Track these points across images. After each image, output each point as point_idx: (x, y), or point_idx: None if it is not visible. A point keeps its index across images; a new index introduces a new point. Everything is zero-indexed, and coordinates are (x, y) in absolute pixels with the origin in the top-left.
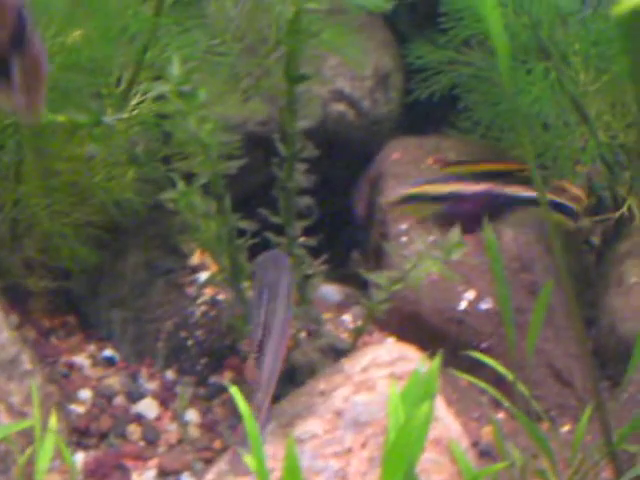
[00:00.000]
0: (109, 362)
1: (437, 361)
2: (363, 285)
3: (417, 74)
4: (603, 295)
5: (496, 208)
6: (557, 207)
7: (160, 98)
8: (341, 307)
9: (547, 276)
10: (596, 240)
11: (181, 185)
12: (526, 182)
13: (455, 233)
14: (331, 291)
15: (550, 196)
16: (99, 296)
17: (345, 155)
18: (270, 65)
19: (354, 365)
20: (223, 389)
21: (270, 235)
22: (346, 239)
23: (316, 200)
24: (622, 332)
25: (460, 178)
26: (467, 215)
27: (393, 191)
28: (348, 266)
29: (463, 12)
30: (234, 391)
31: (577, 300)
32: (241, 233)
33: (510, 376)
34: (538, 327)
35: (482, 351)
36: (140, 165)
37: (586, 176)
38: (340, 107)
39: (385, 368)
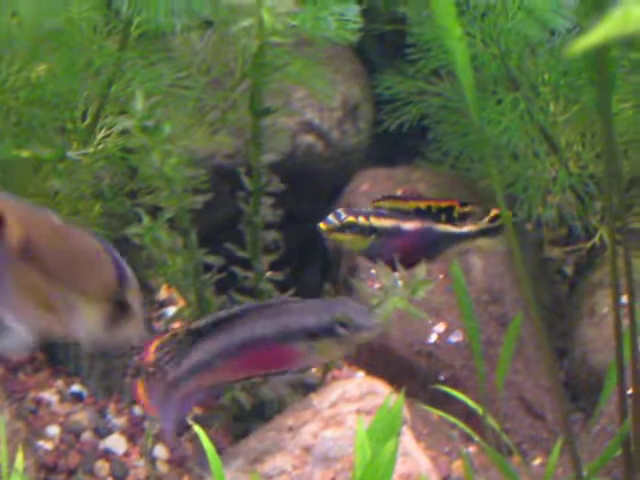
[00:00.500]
0: (77, 398)
1: (401, 398)
2: None
3: (386, 105)
4: (575, 326)
5: (431, 245)
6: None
7: (126, 132)
8: None
9: (517, 308)
10: (569, 270)
11: (147, 220)
12: (460, 219)
13: (421, 269)
14: None
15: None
16: None
17: (315, 186)
18: (236, 98)
19: (323, 400)
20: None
21: (237, 270)
22: (318, 270)
23: (286, 232)
24: (594, 363)
25: (394, 214)
26: (402, 251)
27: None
28: (319, 297)
29: (431, 43)
30: (198, 430)
31: (548, 331)
32: (208, 268)
33: (480, 410)
34: (508, 360)
35: (452, 384)
36: (106, 200)
37: (557, 206)
38: (309, 139)
39: (354, 403)
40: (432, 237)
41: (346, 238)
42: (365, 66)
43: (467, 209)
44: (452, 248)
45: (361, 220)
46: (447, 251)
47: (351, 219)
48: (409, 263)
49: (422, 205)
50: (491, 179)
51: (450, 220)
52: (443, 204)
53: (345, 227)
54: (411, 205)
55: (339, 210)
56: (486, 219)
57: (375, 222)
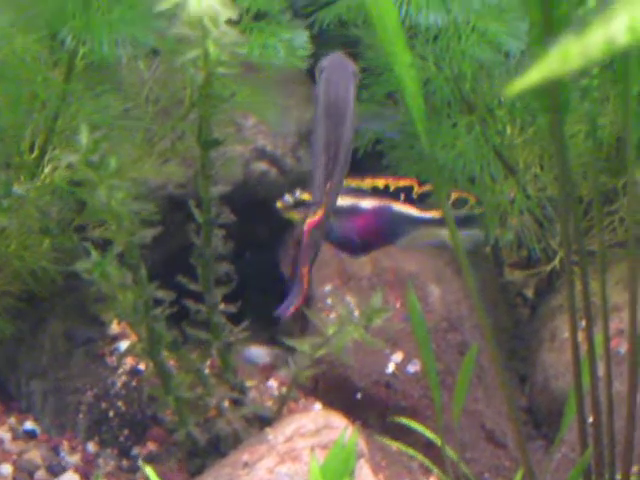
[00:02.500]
0: (30, 435)
1: (356, 434)
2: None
3: None
4: (536, 351)
5: (391, 226)
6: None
7: (73, 165)
8: (268, 370)
9: (477, 335)
10: (529, 293)
11: (95, 255)
12: (419, 199)
13: (377, 298)
14: (259, 353)
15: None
16: (18, 367)
17: (270, 213)
18: (185, 128)
19: (278, 435)
20: (146, 461)
21: (189, 303)
22: (276, 298)
23: (242, 261)
24: (555, 389)
25: (355, 191)
26: (361, 231)
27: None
28: (278, 325)
29: (382, 68)
30: (149, 471)
31: (510, 356)
32: (160, 301)
33: (439, 441)
34: (465, 389)
35: (411, 414)
36: (53, 235)
37: (515, 229)
38: (262, 166)
39: (310, 437)
40: (391, 217)
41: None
42: None
43: (425, 188)
44: (413, 233)
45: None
46: (408, 236)
47: (305, 197)
48: (368, 246)
49: (380, 183)
50: (441, 206)
51: (409, 200)
52: (402, 183)
53: (299, 205)
54: (368, 183)
55: (297, 190)
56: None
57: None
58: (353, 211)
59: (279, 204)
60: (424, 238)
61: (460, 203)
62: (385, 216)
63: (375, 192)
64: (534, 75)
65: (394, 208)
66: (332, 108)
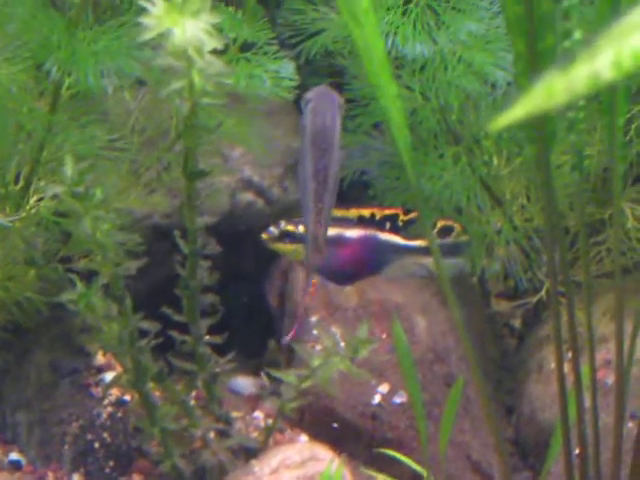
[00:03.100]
0: (15, 466)
1: (341, 467)
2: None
3: None
4: (523, 382)
5: (376, 255)
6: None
7: (58, 196)
8: (254, 401)
9: (463, 366)
10: (517, 324)
11: (80, 286)
12: (404, 227)
13: (363, 329)
14: (245, 384)
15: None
16: (3, 398)
17: (256, 244)
18: (171, 159)
19: (264, 466)
20: None
21: (175, 334)
22: (262, 328)
23: (228, 291)
24: (542, 421)
25: (341, 221)
26: (346, 261)
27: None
28: (264, 356)
29: (368, 99)
30: None
31: (496, 387)
32: (145, 332)
33: (425, 473)
34: (451, 421)
35: (397, 445)
36: (38, 267)
37: (501, 260)
38: (248, 196)
39: (295, 469)
40: (377, 246)
41: (286, 248)
42: None
43: (411, 216)
44: (399, 262)
45: (301, 228)
46: (394, 265)
47: (290, 228)
48: (354, 276)
49: (365, 213)
50: (426, 235)
51: (394, 228)
52: (387, 211)
53: (284, 236)
54: (354, 213)
55: (281, 221)
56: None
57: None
58: (339, 241)
59: (264, 235)
60: (410, 267)
61: (446, 231)
62: (371, 245)
63: (361, 221)
64: (519, 110)
65: (380, 237)
66: (319, 137)
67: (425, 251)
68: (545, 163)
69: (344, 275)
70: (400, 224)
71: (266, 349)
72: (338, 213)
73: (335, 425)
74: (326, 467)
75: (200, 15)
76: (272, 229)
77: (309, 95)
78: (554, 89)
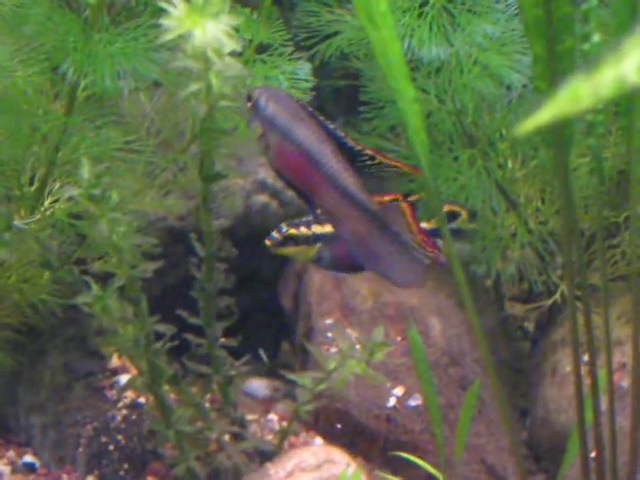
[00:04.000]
0: (30, 468)
1: (359, 471)
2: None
3: None
4: (537, 385)
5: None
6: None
7: (74, 198)
8: (269, 403)
9: (478, 369)
10: (530, 327)
11: (96, 288)
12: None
13: (378, 332)
14: (259, 386)
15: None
16: (18, 400)
17: None
18: (187, 160)
19: (279, 470)
20: None
21: (190, 337)
22: (276, 330)
23: (242, 293)
24: (556, 424)
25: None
26: (347, 255)
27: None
28: (278, 357)
29: (384, 101)
30: None
31: (511, 390)
32: (160, 334)
33: (440, 476)
34: (467, 424)
35: (412, 449)
36: (53, 269)
37: (516, 263)
38: (263, 198)
39: (311, 472)
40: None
41: (292, 251)
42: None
43: (412, 199)
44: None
45: (303, 230)
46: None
47: (292, 231)
48: (358, 267)
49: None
50: (444, 240)
51: None
52: (386, 198)
53: (288, 240)
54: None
55: (282, 224)
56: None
57: (318, 230)
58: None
59: (267, 242)
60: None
61: (452, 216)
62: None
63: None
64: (544, 115)
65: None
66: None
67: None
68: (563, 167)
69: (347, 267)
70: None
71: (279, 350)
72: None
73: (338, 426)
74: (342, 471)
75: (220, 17)
76: (275, 234)
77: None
78: (580, 93)
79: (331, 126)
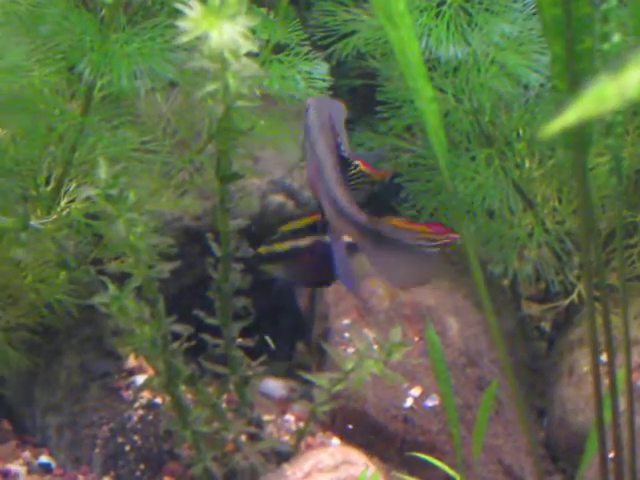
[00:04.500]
0: (45, 469)
1: (377, 473)
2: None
3: None
4: (554, 385)
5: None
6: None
7: (91, 198)
8: (285, 403)
9: (495, 369)
10: (547, 327)
11: (113, 288)
12: None
13: (396, 332)
14: (275, 386)
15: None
16: (33, 401)
17: None
18: (203, 160)
19: (296, 471)
20: None
21: (206, 337)
22: (292, 330)
23: (259, 293)
24: (574, 424)
25: (291, 235)
26: (306, 270)
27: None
28: (294, 358)
29: (401, 101)
30: None
31: (528, 391)
32: (177, 335)
33: (457, 477)
34: (484, 425)
35: (429, 449)
36: (70, 269)
37: (533, 263)
38: (279, 198)
39: (328, 473)
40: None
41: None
42: None
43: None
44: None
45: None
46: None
47: (277, 247)
48: (318, 282)
49: (313, 220)
50: (463, 240)
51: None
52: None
53: (274, 257)
54: (306, 221)
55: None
56: None
57: (278, 248)
58: (295, 252)
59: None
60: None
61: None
62: (323, 251)
63: (312, 229)
64: (571, 116)
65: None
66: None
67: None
68: (581, 167)
69: (308, 282)
70: None
71: (295, 351)
72: (295, 225)
73: (350, 427)
74: (362, 472)
75: (237, 18)
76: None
77: (309, 101)
78: (605, 94)
79: (339, 139)
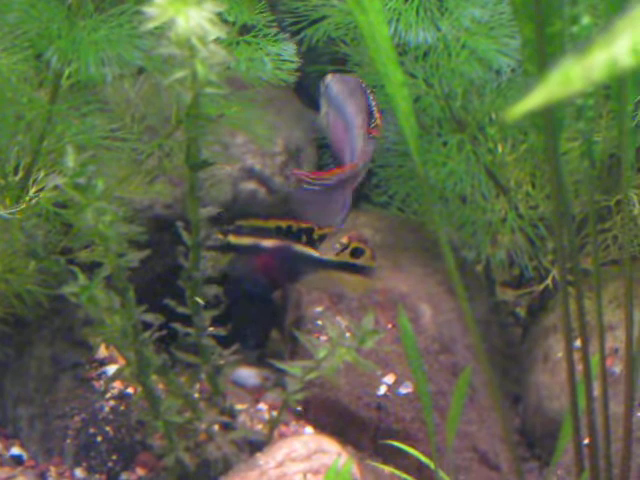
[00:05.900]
0: (17, 461)
1: (350, 460)
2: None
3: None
4: (529, 371)
5: (291, 266)
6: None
7: (59, 187)
8: (258, 392)
9: (469, 356)
10: (522, 312)
11: (82, 278)
12: (319, 240)
13: (368, 319)
14: (248, 375)
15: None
16: (4, 392)
17: None
18: (172, 145)
19: (269, 460)
20: None
21: (177, 326)
22: (265, 318)
23: (231, 282)
24: (549, 410)
25: (253, 232)
26: (262, 269)
27: None
28: (267, 346)
29: (371, 86)
30: None
31: (502, 377)
32: (148, 324)
33: (432, 464)
34: (458, 412)
35: (403, 437)
36: (39, 259)
37: (506, 248)
38: (250, 185)
39: (301, 462)
40: (292, 257)
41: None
42: (312, 106)
43: (325, 231)
44: (315, 273)
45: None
46: (310, 275)
47: (233, 239)
48: (271, 284)
49: (283, 224)
50: (434, 225)
51: (310, 242)
52: (303, 224)
53: (229, 248)
54: (271, 224)
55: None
56: (347, 252)
57: (233, 240)
58: (255, 250)
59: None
60: (323, 284)
61: (357, 253)
62: (286, 255)
63: (278, 232)
64: (536, 98)
65: (294, 248)
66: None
67: (337, 266)
68: (553, 151)
69: (259, 283)
70: (315, 237)
71: (268, 339)
72: (256, 223)
73: (328, 415)
74: (334, 460)
75: (203, 3)
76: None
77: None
78: (571, 76)
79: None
